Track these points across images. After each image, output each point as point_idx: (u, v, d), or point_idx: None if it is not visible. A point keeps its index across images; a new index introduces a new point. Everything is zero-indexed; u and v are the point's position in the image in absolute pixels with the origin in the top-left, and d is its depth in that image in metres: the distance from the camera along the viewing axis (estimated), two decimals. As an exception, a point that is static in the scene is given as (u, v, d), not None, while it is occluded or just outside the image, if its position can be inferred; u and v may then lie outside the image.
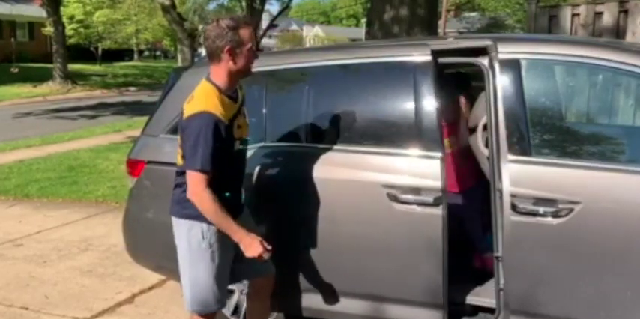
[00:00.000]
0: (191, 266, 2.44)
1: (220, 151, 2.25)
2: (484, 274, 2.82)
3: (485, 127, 2.71)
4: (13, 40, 28.53)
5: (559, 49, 2.48)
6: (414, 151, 2.52)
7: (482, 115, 2.78)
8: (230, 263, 2.47)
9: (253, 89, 2.79)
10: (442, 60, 2.70)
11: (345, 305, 2.67)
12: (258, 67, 2.47)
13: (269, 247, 2.29)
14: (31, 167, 7.85)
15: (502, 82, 2.47)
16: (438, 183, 2.42)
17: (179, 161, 2.37)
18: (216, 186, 2.27)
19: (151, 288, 3.78)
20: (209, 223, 2.33)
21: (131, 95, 20.43)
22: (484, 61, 2.56)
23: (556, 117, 2.56)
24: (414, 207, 2.44)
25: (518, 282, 2.37)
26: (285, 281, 2.70)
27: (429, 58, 2.57)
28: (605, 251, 2.24)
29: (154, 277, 3.78)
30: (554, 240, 2.29)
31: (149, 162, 3.06)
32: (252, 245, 2.27)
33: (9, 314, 3.47)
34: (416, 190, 2.44)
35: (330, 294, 2.68)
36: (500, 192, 2.37)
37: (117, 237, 3.93)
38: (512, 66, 2.47)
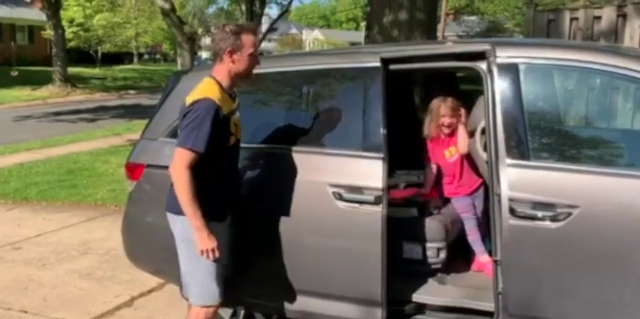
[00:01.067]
0: (190, 261, 2.50)
1: (216, 140, 2.36)
2: (482, 278, 2.83)
3: (483, 131, 2.72)
4: (12, 43, 28.56)
5: (557, 54, 2.49)
6: (359, 152, 2.60)
7: (480, 119, 2.78)
8: (224, 258, 2.54)
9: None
10: (440, 64, 2.72)
11: (304, 302, 2.72)
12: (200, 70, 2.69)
13: (217, 255, 2.40)
14: (31, 170, 7.85)
15: (500, 86, 2.48)
16: (378, 183, 2.50)
17: None
18: (208, 180, 2.38)
19: (150, 292, 3.78)
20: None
21: (131, 98, 20.44)
22: (482, 66, 2.57)
23: (554, 121, 2.56)
24: (357, 205, 2.54)
25: (516, 286, 2.37)
26: (251, 280, 2.77)
27: (378, 64, 2.65)
28: (604, 255, 2.24)
29: (153, 281, 3.78)
30: (552, 244, 2.29)
31: (148, 166, 3.06)
32: (204, 240, 2.37)
33: (7, 317, 3.47)
34: (358, 189, 2.53)
35: (291, 294, 2.74)
36: (499, 196, 2.37)
37: (116, 241, 3.94)
38: (511, 70, 2.48)
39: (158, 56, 50.16)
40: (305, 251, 2.68)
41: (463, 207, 3.16)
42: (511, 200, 2.33)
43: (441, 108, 3.17)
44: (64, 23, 24.45)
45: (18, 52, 27.78)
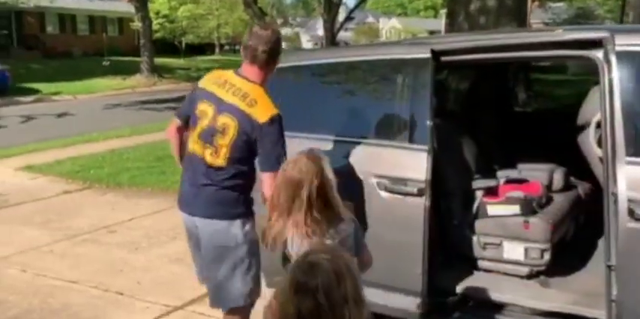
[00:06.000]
0: (254, 259, 2.45)
1: None
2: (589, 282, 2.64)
3: (598, 125, 2.52)
4: (104, 34, 30.09)
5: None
6: (404, 144, 2.59)
7: (594, 112, 2.58)
8: None
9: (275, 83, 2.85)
10: (546, 53, 2.57)
11: None
12: (284, 62, 2.66)
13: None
14: (122, 156, 8.22)
15: (620, 77, 2.28)
16: (421, 175, 2.48)
17: (220, 161, 2.35)
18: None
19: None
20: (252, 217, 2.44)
21: (212, 88, 20.96)
22: (598, 54, 2.37)
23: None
24: (401, 196, 2.54)
25: (633, 294, 2.18)
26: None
27: (427, 55, 2.58)
28: None
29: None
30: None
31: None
32: None
33: (105, 298, 3.63)
34: (402, 181, 2.53)
35: None
36: (615, 196, 2.19)
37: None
38: (632, 59, 2.28)
39: (237, 47, 51.17)
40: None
41: None
42: (630, 201, 2.14)
43: None
44: (151, 15, 25.42)
45: (109, 42, 29.22)
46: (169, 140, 2.61)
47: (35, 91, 19.06)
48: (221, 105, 2.35)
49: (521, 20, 6.73)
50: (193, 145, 2.42)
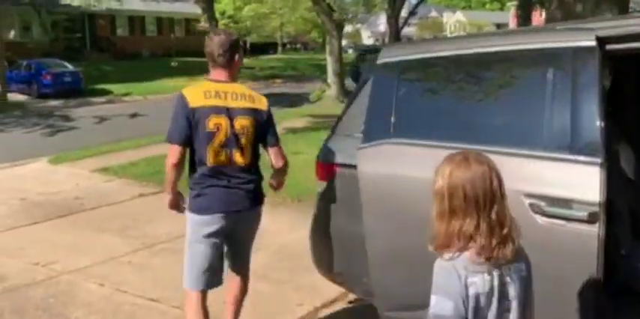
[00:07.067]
0: None
1: None
2: None
3: None
4: (172, 35, 30.66)
5: None
6: (566, 155, 2.01)
7: None
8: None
9: (382, 79, 2.53)
10: None
11: None
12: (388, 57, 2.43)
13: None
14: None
15: None
16: (593, 196, 1.92)
17: (247, 159, 2.64)
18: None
19: (332, 302, 3.45)
20: None
21: (278, 87, 20.88)
22: None
23: None
24: (562, 222, 1.97)
25: None
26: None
27: (592, 43, 2.06)
28: None
29: (334, 289, 3.43)
30: None
31: (341, 166, 2.68)
32: None
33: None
34: (565, 202, 1.97)
35: None
36: None
37: (286, 237, 3.66)
38: None
39: (298, 45, 51.28)
40: None
41: None
42: None
43: None
44: (217, 15, 25.61)
45: (175, 43, 29.75)
46: (173, 168, 2.62)
47: (107, 92, 19.54)
48: (232, 112, 2.59)
49: (624, 7, 6.08)
50: (216, 157, 2.57)
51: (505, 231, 1.48)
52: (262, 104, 2.70)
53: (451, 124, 2.34)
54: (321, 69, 25.03)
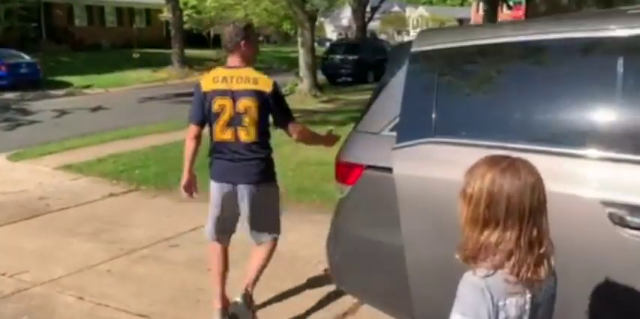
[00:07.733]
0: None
1: None
2: None
3: None
4: (133, 26, 29.63)
5: None
6: None
7: None
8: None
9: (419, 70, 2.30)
10: None
11: None
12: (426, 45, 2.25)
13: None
14: (166, 154, 7.58)
15: None
16: None
17: (252, 137, 2.89)
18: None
19: (344, 315, 3.13)
20: None
21: (245, 80, 20.33)
22: None
23: None
24: None
25: None
26: None
27: None
28: None
29: (348, 300, 3.14)
30: None
31: (369, 167, 2.36)
32: None
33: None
34: None
35: None
36: None
37: (281, 244, 3.32)
38: None
39: (261, 38, 50.53)
40: (574, 293, 1.80)
41: None
42: None
43: None
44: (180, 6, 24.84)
45: (137, 34, 28.77)
46: (189, 143, 2.96)
47: (67, 84, 18.65)
48: (235, 94, 2.85)
49: (607, 1, 6.01)
50: (222, 135, 2.89)
51: (542, 249, 1.32)
52: (266, 86, 2.87)
53: (507, 121, 2.04)
54: (290, 61, 24.58)
